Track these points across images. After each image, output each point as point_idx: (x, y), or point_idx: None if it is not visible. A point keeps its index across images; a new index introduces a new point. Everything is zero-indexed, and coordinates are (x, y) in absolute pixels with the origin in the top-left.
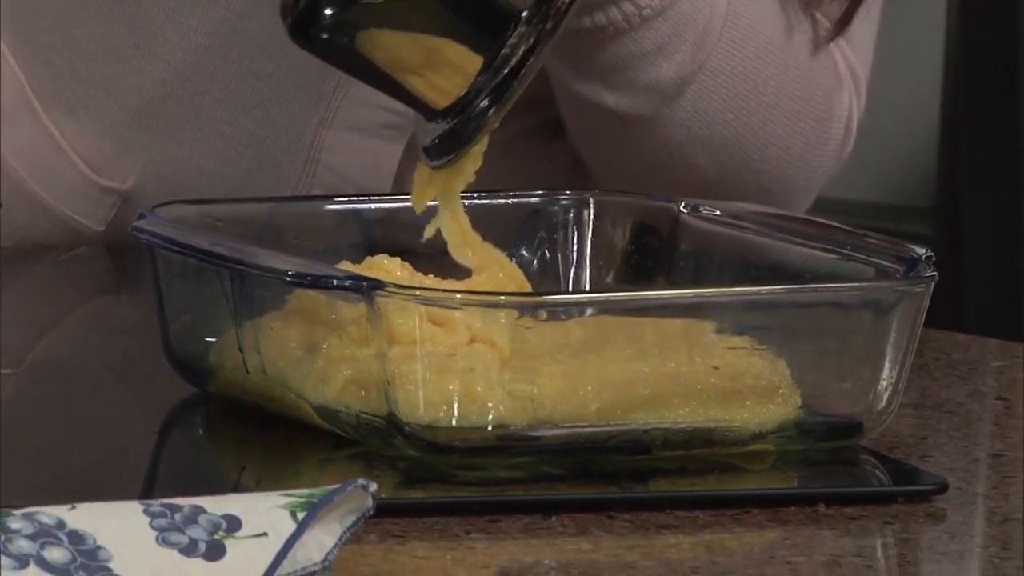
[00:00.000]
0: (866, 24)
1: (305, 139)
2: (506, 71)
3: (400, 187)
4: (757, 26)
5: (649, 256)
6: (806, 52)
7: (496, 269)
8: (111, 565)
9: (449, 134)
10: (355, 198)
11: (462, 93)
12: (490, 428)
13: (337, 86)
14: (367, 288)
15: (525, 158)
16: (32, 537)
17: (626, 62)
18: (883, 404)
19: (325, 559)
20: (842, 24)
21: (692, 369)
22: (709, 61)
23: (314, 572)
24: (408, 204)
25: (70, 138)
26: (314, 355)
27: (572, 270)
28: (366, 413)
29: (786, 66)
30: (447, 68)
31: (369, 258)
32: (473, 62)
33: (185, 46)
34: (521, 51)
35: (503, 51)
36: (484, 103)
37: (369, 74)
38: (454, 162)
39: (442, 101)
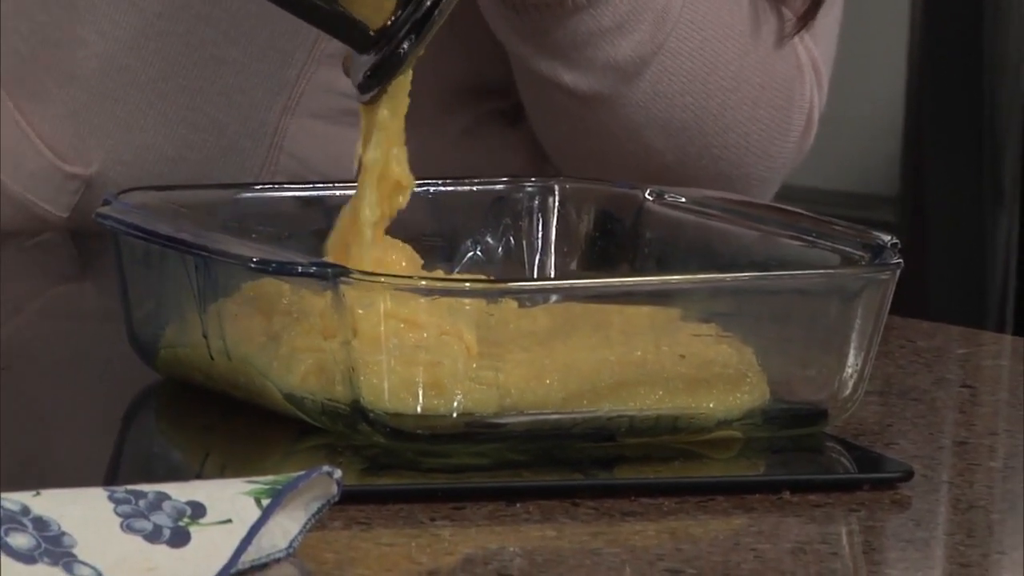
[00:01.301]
0: (829, 18)
1: (268, 126)
2: (428, 2)
3: None
4: (717, 9)
5: (614, 243)
6: (766, 40)
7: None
8: (76, 551)
9: (377, 66)
10: (319, 185)
11: (388, 23)
12: (455, 415)
13: (300, 73)
14: (332, 275)
15: (489, 143)
16: None
17: (584, 39)
18: (848, 391)
19: (290, 546)
20: (806, 18)
21: (658, 357)
22: (668, 42)
23: (279, 559)
24: None
25: (34, 124)
26: (278, 342)
27: (537, 257)
28: (331, 400)
29: (745, 51)
30: None
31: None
32: None
33: (148, 32)
34: None
35: None
36: (408, 33)
37: (303, 7)
38: (383, 93)
39: (379, 20)
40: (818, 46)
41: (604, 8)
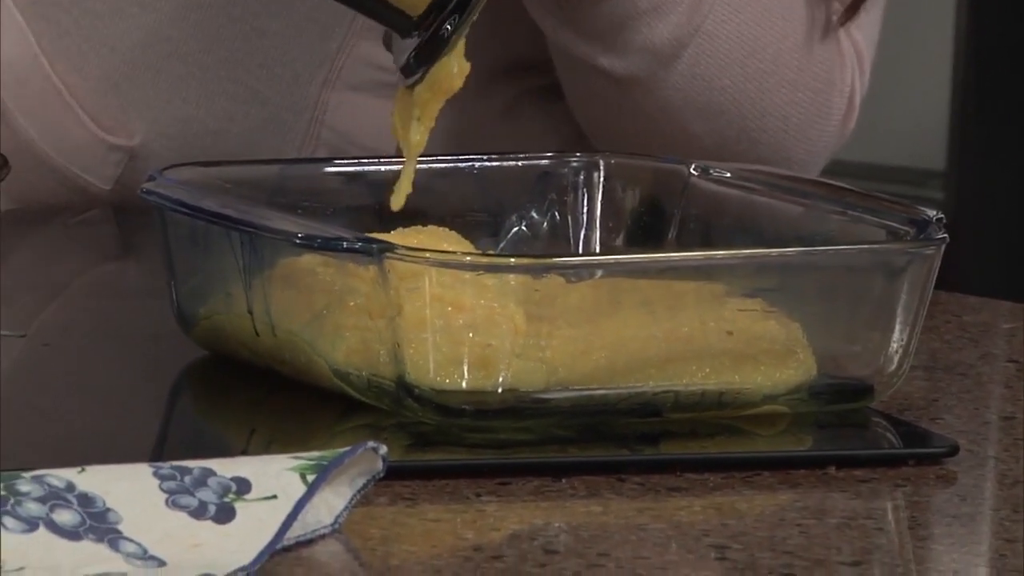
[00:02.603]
0: (873, 4)
1: (309, 99)
2: None
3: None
4: None
5: (659, 218)
6: (806, 23)
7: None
8: (121, 527)
9: (422, 47)
10: (364, 160)
11: (430, 3)
12: (501, 391)
13: (340, 46)
14: (377, 250)
15: (530, 119)
16: (42, 500)
17: (621, 22)
18: (894, 366)
19: (335, 521)
20: (854, 7)
21: (705, 333)
22: (705, 24)
23: (324, 535)
24: (419, 167)
25: (77, 95)
26: (322, 319)
27: (582, 232)
28: (376, 376)
29: (784, 34)
30: None
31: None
32: None
33: (188, 3)
34: None
35: None
36: (451, 14)
37: None
38: (427, 73)
39: (420, 6)
40: (861, 30)
41: None
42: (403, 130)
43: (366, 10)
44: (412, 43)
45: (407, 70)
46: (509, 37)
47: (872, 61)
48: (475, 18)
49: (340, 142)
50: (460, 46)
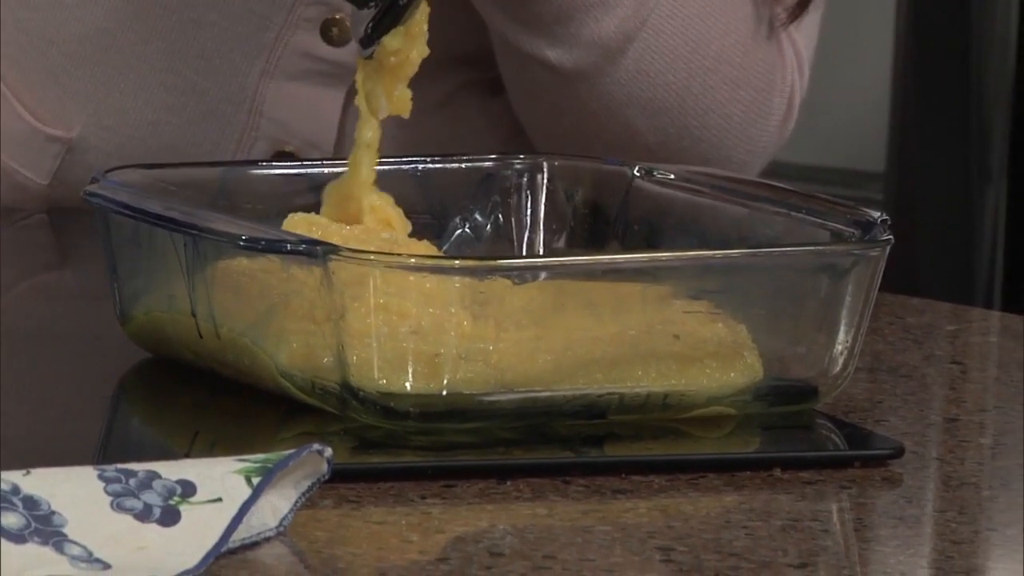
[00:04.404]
0: (813, 8)
1: (248, 90)
2: None
3: (342, 138)
4: None
5: (603, 220)
6: (748, 21)
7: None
8: (66, 530)
9: (379, 17)
10: (308, 162)
11: None
12: (446, 393)
13: (278, 37)
14: (321, 252)
15: (468, 113)
16: None
17: (568, 14)
18: (838, 368)
19: (280, 524)
20: (797, 11)
21: (651, 336)
22: (651, 18)
23: (269, 537)
24: None
25: (14, 88)
26: (267, 322)
27: (526, 234)
28: (320, 378)
29: (727, 31)
30: None
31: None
32: None
33: None
34: None
35: None
36: None
37: None
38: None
39: None
40: (801, 33)
41: None
42: (366, 101)
43: None
44: (369, 14)
45: (365, 41)
46: (449, 29)
47: (811, 64)
48: None
49: (279, 133)
50: (420, 16)
